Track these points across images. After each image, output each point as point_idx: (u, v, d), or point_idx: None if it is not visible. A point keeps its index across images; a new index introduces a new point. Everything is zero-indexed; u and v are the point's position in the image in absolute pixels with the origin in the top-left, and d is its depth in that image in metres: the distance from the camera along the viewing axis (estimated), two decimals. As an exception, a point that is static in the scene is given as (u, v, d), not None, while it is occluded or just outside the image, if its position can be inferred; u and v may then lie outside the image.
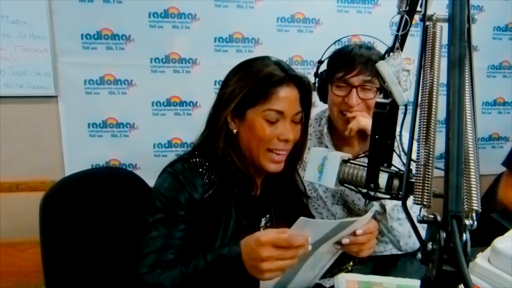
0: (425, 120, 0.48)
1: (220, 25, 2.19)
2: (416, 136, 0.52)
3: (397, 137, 1.00)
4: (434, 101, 0.48)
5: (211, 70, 2.22)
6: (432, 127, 0.48)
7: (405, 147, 0.97)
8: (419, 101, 0.50)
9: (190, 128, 2.33)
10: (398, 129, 0.94)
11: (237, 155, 1.09)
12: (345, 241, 0.96)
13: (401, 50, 0.79)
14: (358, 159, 0.99)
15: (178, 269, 0.96)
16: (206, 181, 1.06)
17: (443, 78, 0.48)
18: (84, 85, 2.11)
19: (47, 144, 2.14)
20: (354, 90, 1.30)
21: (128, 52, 2.11)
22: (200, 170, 1.06)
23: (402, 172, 0.92)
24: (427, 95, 0.49)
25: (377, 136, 0.90)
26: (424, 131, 0.48)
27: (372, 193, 0.98)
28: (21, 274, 2.13)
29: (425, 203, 0.46)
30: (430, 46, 0.51)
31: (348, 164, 0.98)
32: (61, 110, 2.11)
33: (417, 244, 1.30)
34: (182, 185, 1.04)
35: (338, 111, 1.36)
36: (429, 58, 0.50)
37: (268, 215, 1.16)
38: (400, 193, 0.92)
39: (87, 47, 2.07)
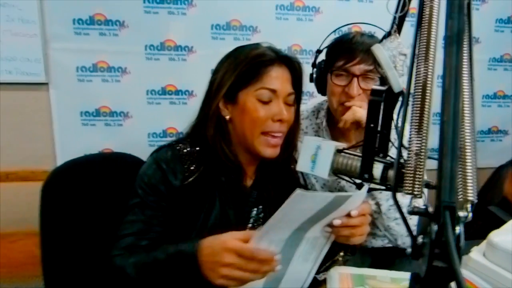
0: (418, 104, 0.44)
1: (218, 12, 2.13)
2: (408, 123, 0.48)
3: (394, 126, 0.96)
4: (429, 84, 0.44)
5: (207, 58, 2.14)
6: (426, 111, 0.43)
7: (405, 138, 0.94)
8: (413, 82, 0.45)
9: (186, 117, 2.28)
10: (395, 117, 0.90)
11: (227, 144, 1.06)
12: (337, 222, 0.92)
13: (399, 33, 0.75)
14: (353, 149, 0.96)
15: (142, 256, 0.95)
16: (189, 169, 1.03)
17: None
18: (76, 72, 2.05)
19: (37, 133, 2.09)
20: (355, 80, 1.24)
21: (122, 38, 2.06)
22: (184, 156, 1.04)
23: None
24: (421, 79, 0.44)
25: (372, 125, 0.86)
26: (417, 117, 0.44)
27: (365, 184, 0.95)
28: (12, 266, 2.09)
29: (415, 192, 0.42)
30: (426, 22, 0.46)
31: (342, 154, 0.93)
32: (52, 97, 2.05)
33: None
34: (163, 173, 1.02)
35: (338, 102, 1.29)
36: (425, 35, 0.45)
37: (261, 206, 1.12)
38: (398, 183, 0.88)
39: (79, 32, 2.01)
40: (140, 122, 2.19)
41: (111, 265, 0.98)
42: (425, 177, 0.88)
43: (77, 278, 1.22)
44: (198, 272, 0.84)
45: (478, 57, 2.41)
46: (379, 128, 0.87)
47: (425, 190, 1.27)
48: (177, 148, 1.06)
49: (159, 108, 2.19)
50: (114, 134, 2.17)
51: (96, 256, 1.23)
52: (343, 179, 0.96)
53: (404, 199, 1.30)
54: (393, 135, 0.95)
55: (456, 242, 0.35)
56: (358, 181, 0.95)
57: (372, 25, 1.37)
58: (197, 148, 1.06)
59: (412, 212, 0.41)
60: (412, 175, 0.43)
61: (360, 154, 0.92)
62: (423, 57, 0.44)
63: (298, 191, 0.76)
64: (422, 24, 0.46)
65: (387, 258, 1.25)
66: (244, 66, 1.03)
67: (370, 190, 0.94)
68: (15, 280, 2.10)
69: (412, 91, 0.47)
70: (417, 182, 0.42)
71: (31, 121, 2.07)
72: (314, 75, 1.36)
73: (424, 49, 0.45)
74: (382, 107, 0.87)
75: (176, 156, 1.04)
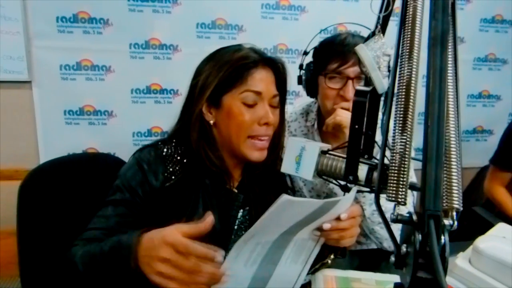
0: (402, 104, 0.43)
1: (203, 11, 2.11)
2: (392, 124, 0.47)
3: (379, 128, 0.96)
4: (413, 84, 0.43)
5: (192, 57, 2.07)
6: (410, 112, 0.43)
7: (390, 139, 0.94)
8: (396, 81, 0.45)
9: (171, 116, 2.26)
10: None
11: (212, 149, 1.04)
12: (326, 226, 0.90)
13: (383, 33, 0.74)
14: (340, 151, 0.95)
15: (92, 246, 0.87)
16: (170, 169, 1.01)
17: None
18: (60, 70, 2.02)
19: (20, 131, 2.06)
20: (350, 82, 1.21)
21: (106, 36, 2.03)
22: (167, 157, 1.02)
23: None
24: (405, 79, 0.43)
25: (357, 126, 0.85)
26: (401, 117, 0.43)
27: (350, 186, 0.94)
28: (-4, 265, 2.06)
29: (399, 199, 0.41)
30: (410, 22, 0.46)
31: (327, 155, 0.93)
32: (35, 96, 2.02)
33: None
34: (144, 174, 0.99)
35: (332, 105, 1.25)
36: (409, 35, 0.45)
37: (247, 208, 1.11)
38: (380, 186, 0.88)
39: (63, 30, 1.98)
40: (124, 121, 2.17)
41: (65, 255, 0.91)
42: (413, 179, 0.88)
43: (54, 279, 1.20)
44: (135, 266, 0.74)
45: (462, 57, 2.44)
46: (364, 129, 0.87)
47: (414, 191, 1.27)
48: (161, 148, 1.03)
49: (143, 107, 2.17)
50: (98, 133, 2.14)
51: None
52: (328, 180, 0.96)
53: (388, 204, 1.30)
54: (378, 136, 0.95)
55: (441, 252, 0.34)
56: (343, 183, 0.95)
57: (359, 24, 1.36)
58: (182, 149, 1.04)
59: (395, 220, 0.40)
60: (396, 180, 0.42)
61: (345, 156, 0.91)
62: (407, 57, 0.44)
63: (285, 197, 0.73)
64: (406, 24, 0.45)
65: (374, 260, 1.25)
66: (228, 69, 1.00)
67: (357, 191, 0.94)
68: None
69: (396, 91, 0.46)
70: (401, 188, 0.41)
71: (14, 119, 2.04)
72: (303, 77, 1.33)
73: (408, 49, 0.44)
74: (366, 108, 0.87)
75: (159, 156, 1.02)
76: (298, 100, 2.20)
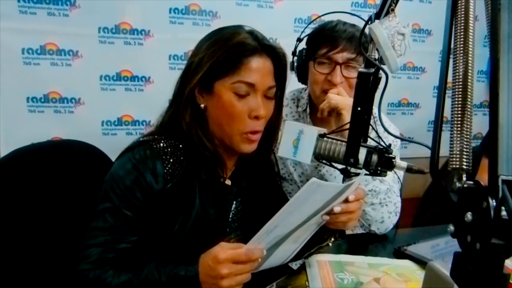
0: (460, 100, 0.42)
1: (176, -5, 2.05)
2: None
3: (375, 112, 0.96)
4: (469, 74, 0.41)
5: (165, 43, 2.08)
6: (469, 108, 0.41)
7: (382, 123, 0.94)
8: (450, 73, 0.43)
9: (142, 104, 2.22)
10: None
11: (205, 132, 0.99)
12: (337, 209, 0.91)
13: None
14: (332, 134, 0.94)
15: (127, 275, 0.89)
16: (170, 171, 0.95)
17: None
18: (22, 54, 1.89)
19: (-21, 119, 1.91)
20: (338, 67, 1.24)
21: (73, 19, 1.92)
22: (164, 157, 0.95)
23: (381, 147, 0.88)
24: (461, 71, 0.42)
25: (359, 108, 0.85)
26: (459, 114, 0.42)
27: (349, 169, 0.94)
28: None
29: (464, 167, 0.40)
30: (462, 15, 0.44)
31: (325, 138, 0.92)
32: (-5, 81, 1.88)
33: (388, 229, 1.28)
34: (141, 175, 0.93)
35: (320, 89, 1.28)
36: (462, 31, 0.43)
37: (239, 199, 1.08)
38: (379, 168, 0.89)
39: (25, 11, 1.85)
40: (93, 109, 2.07)
41: (83, 280, 0.90)
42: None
43: (24, 276, 1.12)
44: None
45: (431, 49, 2.51)
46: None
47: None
48: (155, 147, 0.96)
49: (113, 94, 2.08)
50: (64, 121, 2.03)
51: (48, 250, 1.15)
52: (326, 164, 0.95)
53: (382, 186, 1.31)
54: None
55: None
56: (340, 166, 0.95)
57: (346, 12, 1.36)
58: (174, 142, 0.98)
59: (463, 189, 0.39)
60: (459, 151, 0.41)
61: (343, 139, 0.91)
62: (462, 49, 0.42)
63: (314, 180, 0.75)
64: (458, 14, 0.43)
65: (361, 244, 1.26)
66: (222, 54, 0.94)
67: (353, 175, 0.94)
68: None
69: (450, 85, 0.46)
70: (464, 157, 0.40)
71: (-29, 107, 1.89)
72: (295, 64, 1.34)
73: (462, 40, 0.43)
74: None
75: (155, 156, 0.95)
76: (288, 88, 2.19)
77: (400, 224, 1.39)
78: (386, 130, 0.90)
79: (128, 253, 0.93)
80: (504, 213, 0.34)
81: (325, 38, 1.26)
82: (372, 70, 0.83)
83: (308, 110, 1.42)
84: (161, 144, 0.97)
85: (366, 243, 1.26)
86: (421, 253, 1.14)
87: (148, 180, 0.93)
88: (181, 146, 0.98)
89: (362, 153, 0.89)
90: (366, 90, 0.83)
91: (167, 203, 0.95)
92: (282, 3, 2.22)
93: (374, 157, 0.88)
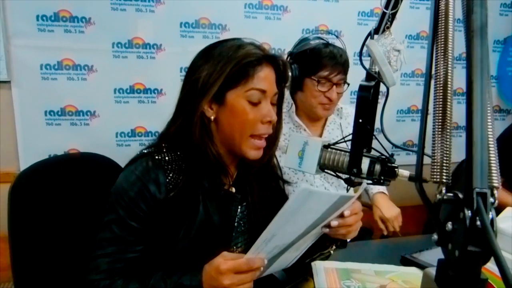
0: (440, 100, 0.46)
1: (186, 10, 2.12)
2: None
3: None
4: (449, 80, 0.45)
5: (176, 56, 2.14)
6: (449, 111, 0.45)
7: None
8: (432, 78, 0.47)
9: (155, 116, 2.28)
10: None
11: (212, 142, 1.03)
12: (334, 223, 0.94)
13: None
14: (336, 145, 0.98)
15: (135, 286, 0.94)
16: (172, 180, 0.98)
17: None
18: (40, 70, 1.98)
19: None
20: (334, 87, 1.57)
21: (88, 35, 2.00)
22: (166, 167, 0.99)
23: (383, 157, 0.91)
24: (441, 76, 0.46)
25: (360, 120, 0.88)
26: (440, 112, 0.46)
27: (353, 178, 0.97)
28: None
29: (444, 180, 0.44)
30: (443, 20, 0.48)
31: (329, 149, 0.96)
32: (14, 96, 1.97)
33: None
34: (144, 187, 0.96)
35: (318, 103, 1.60)
36: (443, 34, 0.47)
37: (244, 203, 1.12)
38: (382, 177, 0.92)
39: (43, 29, 1.94)
40: (107, 121, 2.14)
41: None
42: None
43: (48, 282, 1.17)
44: None
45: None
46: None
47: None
48: (156, 157, 1.00)
49: (127, 107, 2.15)
50: (80, 134, 2.10)
51: (67, 259, 1.19)
52: (330, 174, 0.98)
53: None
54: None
55: (491, 226, 0.37)
56: (344, 176, 0.98)
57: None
58: (177, 153, 1.02)
59: (442, 201, 0.43)
60: (439, 162, 0.44)
61: (346, 150, 0.94)
62: (442, 54, 0.46)
63: (304, 187, 0.76)
64: (439, 21, 0.47)
65: (368, 251, 1.29)
66: (233, 67, 0.98)
67: (356, 184, 0.97)
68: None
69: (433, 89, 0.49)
70: (444, 171, 0.44)
71: (-7, 121, 1.97)
72: (290, 74, 1.40)
73: (443, 46, 0.46)
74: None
75: (157, 167, 0.98)
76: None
77: (409, 232, 1.41)
78: (387, 139, 0.93)
79: (136, 261, 0.97)
80: (479, 222, 0.38)
81: (326, 64, 1.54)
82: (373, 83, 0.87)
83: (292, 108, 1.70)
84: (163, 155, 1.00)
85: (373, 251, 1.28)
86: (428, 261, 1.16)
87: (152, 191, 0.96)
88: (182, 155, 1.02)
89: (365, 163, 0.92)
90: (367, 102, 0.86)
91: (171, 211, 0.98)
92: (289, 15, 2.27)
93: (377, 167, 0.90)
